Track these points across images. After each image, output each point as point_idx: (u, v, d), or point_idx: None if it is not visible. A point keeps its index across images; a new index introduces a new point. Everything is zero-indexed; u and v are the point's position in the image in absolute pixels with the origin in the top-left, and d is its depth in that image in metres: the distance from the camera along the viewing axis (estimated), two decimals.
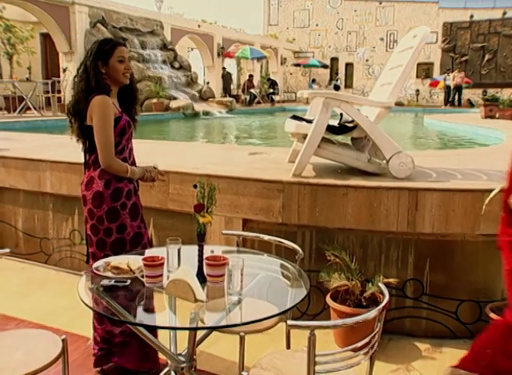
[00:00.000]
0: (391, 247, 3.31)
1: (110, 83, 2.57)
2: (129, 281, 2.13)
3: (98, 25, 15.58)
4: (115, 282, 2.11)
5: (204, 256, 2.15)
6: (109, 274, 2.22)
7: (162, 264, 2.11)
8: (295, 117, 3.86)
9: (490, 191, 2.77)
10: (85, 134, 2.59)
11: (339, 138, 3.76)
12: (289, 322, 1.62)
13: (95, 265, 2.29)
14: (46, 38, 17.23)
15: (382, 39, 27.77)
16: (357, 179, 3.39)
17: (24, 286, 4.12)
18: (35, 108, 12.68)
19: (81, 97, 2.54)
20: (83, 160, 2.70)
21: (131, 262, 2.26)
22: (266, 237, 2.69)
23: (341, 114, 3.55)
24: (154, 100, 14.92)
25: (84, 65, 2.56)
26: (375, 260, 3.34)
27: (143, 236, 2.70)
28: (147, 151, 5.04)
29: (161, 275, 2.11)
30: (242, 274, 2.02)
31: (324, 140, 3.47)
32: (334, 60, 29.44)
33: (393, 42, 26.99)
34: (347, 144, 3.87)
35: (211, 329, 1.93)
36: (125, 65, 2.58)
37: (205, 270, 2.12)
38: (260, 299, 2.10)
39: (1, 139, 5.60)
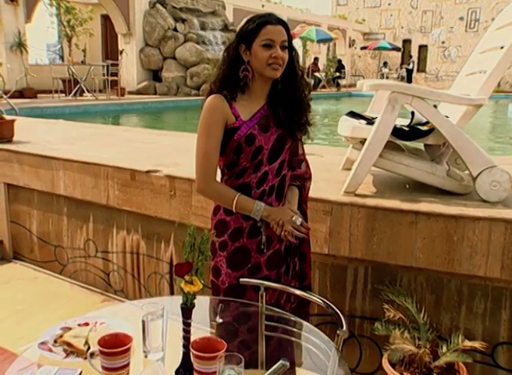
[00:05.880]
0: (476, 296, 2.44)
1: (256, 76, 1.85)
2: (79, 371, 1.43)
3: (157, 5, 15.09)
4: (58, 372, 1.42)
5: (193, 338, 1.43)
6: (59, 350, 1.54)
7: (128, 350, 1.38)
8: (352, 114, 3.01)
9: None
10: None
11: (408, 142, 2.89)
12: None
13: (44, 335, 1.62)
14: (106, 20, 16.98)
15: (461, 18, 25.65)
16: (430, 201, 2.52)
17: (30, 303, 3.58)
18: (89, 91, 12.43)
19: (210, 92, 1.92)
20: None
21: (94, 334, 1.56)
22: (297, 292, 1.91)
23: (412, 112, 2.67)
24: None
25: (227, 50, 1.90)
26: (451, 312, 2.48)
27: (244, 291, 1.91)
28: (176, 148, 4.33)
29: (127, 365, 1.39)
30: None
31: (388, 146, 2.62)
32: (406, 42, 27.74)
33: (475, 21, 24.91)
34: (419, 151, 2.98)
35: None
36: (272, 51, 1.78)
37: (192, 361, 1.40)
38: None
39: (28, 128, 5.10)
